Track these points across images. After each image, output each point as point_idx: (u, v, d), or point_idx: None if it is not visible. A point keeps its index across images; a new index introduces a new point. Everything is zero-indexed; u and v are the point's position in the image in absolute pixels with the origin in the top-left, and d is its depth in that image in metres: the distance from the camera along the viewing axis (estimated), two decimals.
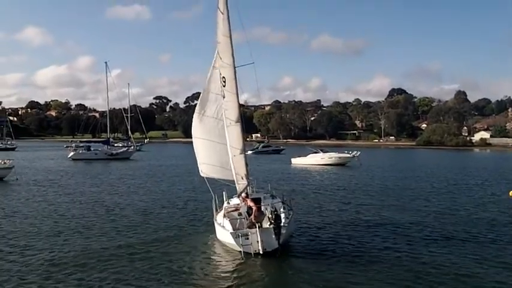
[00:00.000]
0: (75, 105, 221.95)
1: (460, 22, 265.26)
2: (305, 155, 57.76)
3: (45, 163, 57.14)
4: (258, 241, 14.07)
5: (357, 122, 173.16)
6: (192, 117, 20.09)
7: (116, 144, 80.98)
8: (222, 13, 17.23)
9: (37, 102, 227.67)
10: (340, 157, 56.12)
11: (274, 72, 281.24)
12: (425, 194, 29.49)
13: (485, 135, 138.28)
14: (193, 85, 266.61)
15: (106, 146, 69.57)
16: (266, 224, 14.89)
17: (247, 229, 14.62)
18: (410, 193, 29.82)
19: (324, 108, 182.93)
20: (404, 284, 12.35)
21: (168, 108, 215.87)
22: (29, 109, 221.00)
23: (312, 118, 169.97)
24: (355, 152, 56.85)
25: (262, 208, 15.78)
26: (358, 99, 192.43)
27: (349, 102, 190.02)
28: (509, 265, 13.90)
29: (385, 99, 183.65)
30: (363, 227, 19.07)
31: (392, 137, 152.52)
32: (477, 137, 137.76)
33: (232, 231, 14.75)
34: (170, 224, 19.64)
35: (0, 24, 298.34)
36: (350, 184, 35.31)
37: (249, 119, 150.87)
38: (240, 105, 18.59)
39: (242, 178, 18.02)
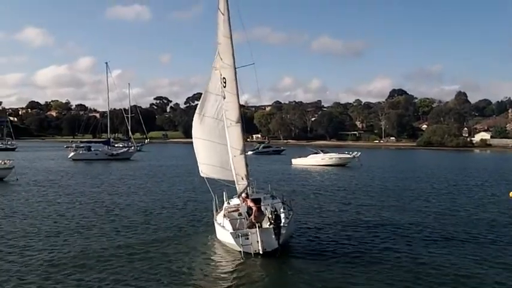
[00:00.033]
0: (76, 105, 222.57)
1: (460, 23, 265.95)
2: (305, 156, 57.77)
3: (46, 163, 57.15)
4: (258, 241, 14.08)
5: (358, 123, 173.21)
6: (193, 117, 20.11)
7: (116, 145, 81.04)
8: (223, 14, 17.26)
9: (37, 102, 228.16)
10: (340, 158, 56.13)
11: (275, 73, 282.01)
12: (425, 194, 29.49)
13: (485, 136, 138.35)
14: (193, 86, 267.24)
15: (106, 146, 69.56)
16: (266, 224, 14.91)
17: (247, 229, 14.64)
18: (411, 194, 29.82)
19: (325, 109, 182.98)
20: (404, 284, 12.34)
21: (168, 109, 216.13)
22: (29, 109, 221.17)
23: (313, 119, 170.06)
24: (356, 152, 56.86)
25: (262, 208, 15.81)
26: (358, 100, 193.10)
27: (350, 103, 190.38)
28: (509, 266, 13.88)
29: (386, 100, 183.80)
30: (363, 228, 19.07)
31: (393, 138, 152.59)
32: (477, 137, 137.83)
33: (232, 231, 14.77)
34: (170, 224, 19.65)
35: (1, 25, 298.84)
36: (350, 185, 35.31)
37: (249, 120, 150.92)
38: (241, 106, 18.62)
39: (242, 178, 18.04)
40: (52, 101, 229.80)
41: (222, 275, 13.20)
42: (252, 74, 18.66)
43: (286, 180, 38.38)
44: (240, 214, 16.28)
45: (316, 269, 13.51)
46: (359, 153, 55.93)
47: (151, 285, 12.35)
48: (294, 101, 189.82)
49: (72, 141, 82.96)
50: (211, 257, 15.02)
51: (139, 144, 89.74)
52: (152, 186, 33.89)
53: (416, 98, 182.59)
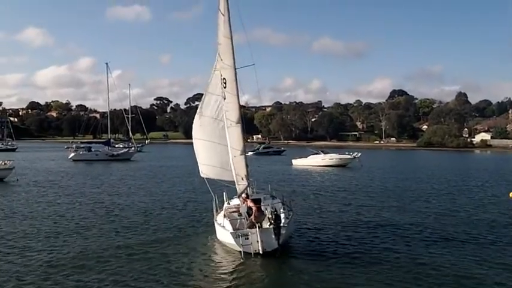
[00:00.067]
0: (76, 106, 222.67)
1: (460, 23, 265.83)
2: (306, 156, 57.79)
3: (46, 164, 57.17)
4: (258, 241, 14.10)
5: (358, 123, 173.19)
6: (193, 118, 20.13)
7: (116, 145, 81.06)
8: (223, 14, 17.27)
9: (37, 102, 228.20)
10: (341, 158, 56.13)
11: (275, 73, 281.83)
12: (425, 195, 29.47)
13: (485, 136, 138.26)
14: (194, 86, 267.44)
15: (107, 147, 69.53)
16: (266, 225, 14.92)
17: (247, 229, 14.66)
18: (411, 194, 29.81)
19: (325, 110, 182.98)
20: (404, 285, 12.32)
21: (168, 109, 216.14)
22: (29, 110, 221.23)
23: (313, 119, 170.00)
24: (356, 153, 56.82)
25: (262, 208, 15.82)
26: (359, 100, 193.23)
27: (350, 104, 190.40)
28: (509, 266, 13.87)
29: (386, 100, 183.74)
30: (363, 228, 19.06)
31: (393, 138, 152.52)
32: (478, 138, 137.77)
33: (232, 231, 14.79)
34: (170, 225, 19.64)
35: (1, 25, 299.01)
36: (350, 185, 35.30)
37: (250, 120, 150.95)
38: (241, 107, 18.65)
39: (242, 179, 18.05)
40: (52, 101, 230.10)
41: (222, 275, 13.20)
42: (252, 75, 18.70)
43: (287, 181, 38.38)
44: (240, 214, 16.30)
45: (316, 269, 13.51)
46: (359, 154, 55.91)
47: (151, 285, 12.34)
48: (295, 102, 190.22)
49: (72, 142, 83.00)
50: (211, 257, 15.02)
51: (140, 144, 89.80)
52: (152, 186, 33.90)
53: (416, 99, 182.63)
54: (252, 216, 15.15)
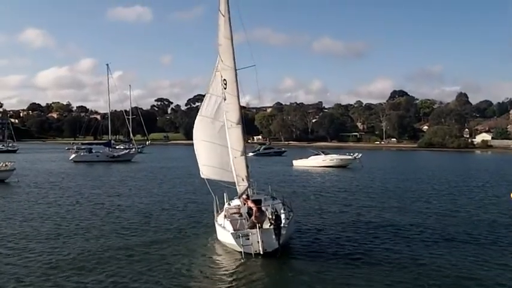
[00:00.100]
0: (77, 107, 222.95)
1: (461, 24, 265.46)
2: (306, 157, 57.82)
3: (47, 165, 57.20)
4: (258, 241, 14.14)
5: (359, 124, 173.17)
6: (194, 119, 20.17)
7: (117, 147, 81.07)
8: (223, 15, 17.31)
9: (38, 104, 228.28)
10: (341, 159, 56.13)
11: (276, 74, 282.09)
12: (426, 196, 29.46)
13: (486, 137, 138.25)
14: (194, 87, 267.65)
15: (107, 148, 69.49)
16: (267, 225, 14.94)
17: (248, 229, 14.69)
18: (411, 195, 29.80)
19: (326, 110, 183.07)
20: (405, 286, 12.32)
21: (169, 110, 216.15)
22: (30, 111, 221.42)
23: (314, 120, 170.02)
24: (357, 154, 56.80)
25: (263, 209, 15.84)
26: (359, 101, 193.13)
27: (351, 104, 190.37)
28: (510, 267, 13.86)
29: (387, 101, 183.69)
30: (363, 229, 19.05)
31: (394, 139, 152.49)
32: (478, 139, 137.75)
33: (232, 231, 14.82)
34: (170, 226, 19.65)
35: (2, 26, 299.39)
36: (351, 186, 35.30)
37: (250, 121, 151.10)
38: (242, 107, 18.68)
39: (243, 180, 18.07)
40: (53, 102, 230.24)
41: (223, 276, 13.21)
42: (252, 76, 18.74)
43: (287, 182, 38.38)
44: (240, 215, 16.34)
45: (316, 269, 13.51)
46: (360, 155, 55.89)
47: (151, 286, 12.35)
48: (295, 103, 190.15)
49: (73, 143, 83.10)
50: (212, 258, 15.03)
51: (140, 146, 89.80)
52: (153, 187, 33.92)
53: (417, 99, 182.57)
54: (253, 217, 15.17)
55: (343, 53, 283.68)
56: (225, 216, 16.37)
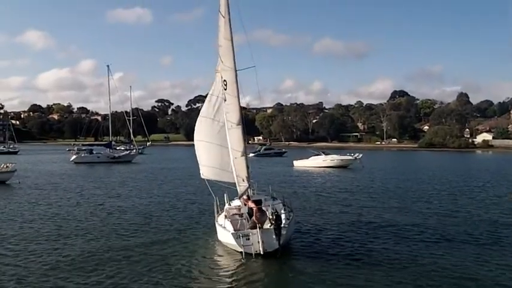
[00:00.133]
0: (77, 108, 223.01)
1: (461, 24, 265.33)
2: (307, 158, 57.84)
3: (48, 166, 57.26)
4: (258, 242, 14.18)
5: (359, 124, 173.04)
6: (194, 120, 20.21)
7: (118, 148, 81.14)
8: (224, 16, 17.35)
9: (39, 105, 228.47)
10: (342, 159, 56.11)
11: (276, 75, 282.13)
12: (427, 196, 29.45)
13: (487, 137, 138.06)
14: (195, 88, 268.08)
15: (108, 149, 69.62)
16: (267, 225, 14.97)
17: (248, 230, 14.72)
18: (412, 195, 29.80)
19: (326, 111, 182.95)
20: (405, 286, 12.33)
21: (170, 111, 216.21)
22: (31, 112, 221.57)
23: (314, 121, 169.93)
24: (357, 154, 56.79)
25: (264, 209, 15.87)
26: (360, 101, 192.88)
27: (351, 105, 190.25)
28: (511, 267, 13.85)
29: (387, 101, 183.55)
30: (364, 229, 19.06)
31: (395, 139, 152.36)
32: (479, 138, 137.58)
33: (233, 231, 14.86)
34: (171, 227, 19.68)
35: (3, 28, 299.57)
36: (352, 186, 35.30)
37: (251, 122, 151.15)
38: (242, 108, 18.71)
39: (243, 180, 18.10)
40: (54, 104, 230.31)
41: (223, 276, 13.25)
42: (253, 76, 18.79)
43: (288, 182, 38.40)
44: (241, 215, 16.37)
45: (316, 269, 13.53)
46: (360, 155, 55.87)
47: (152, 287, 12.37)
48: (296, 103, 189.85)
49: (74, 144, 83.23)
50: (212, 258, 15.06)
51: (141, 147, 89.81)
52: (153, 188, 33.96)
53: (417, 99, 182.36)
54: (254, 217, 15.21)
55: (343, 53, 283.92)
56: (225, 216, 16.41)
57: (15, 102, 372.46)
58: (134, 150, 74.35)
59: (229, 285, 12.52)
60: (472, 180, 40.11)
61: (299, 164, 57.10)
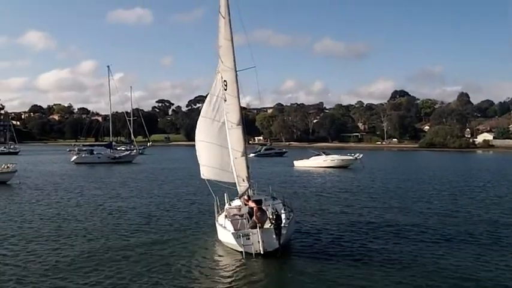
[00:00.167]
0: (78, 109, 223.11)
1: (462, 24, 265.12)
2: (307, 158, 57.83)
3: (48, 167, 57.30)
4: (259, 241, 14.22)
5: (360, 125, 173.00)
6: (195, 120, 20.25)
7: (118, 148, 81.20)
8: (224, 17, 17.40)
9: (40, 106, 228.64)
10: (342, 159, 56.08)
11: (277, 75, 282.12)
12: (427, 196, 29.44)
13: (488, 137, 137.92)
14: (195, 88, 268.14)
15: (109, 149, 69.65)
16: (267, 225, 14.99)
17: (249, 229, 14.75)
18: (413, 195, 29.79)
19: (327, 111, 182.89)
20: (405, 286, 12.33)
21: (170, 112, 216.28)
22: (31, 113, 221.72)
23: (315, 121, 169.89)
24: (358, 154, 56.74)
25: (264, 209, 15.89)
26: (360, 101, 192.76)
27: (352, 105, 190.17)
28: (511, 268, 13.86)
29: (388, 101, 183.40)
30: (364, 229, 19.06)
31: (395, 139, 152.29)
32: (480, 138, 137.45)
33: (233, 231, 14.88)
34: (171, 227, 19.69)
35: (3, 28, 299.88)
36: (352, 186, 35.29)
37: (251, 122, 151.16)
38: (242, 108, 18.75)
39: (243, 180, 18.15)
40: (54, 104, 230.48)
41: (223, 276, 13.26)
42: (253, 77, 18.85)
43: (288, 182, 38.40)
44: (241, 215, 16.40)
45: (317, 269, 13.54)
46: (361, 155, 55.81)
47: (151, 287, 12.38)
48: (296, 103, 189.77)
49: (74, 145, 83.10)
50: (213, 258, 15.09)
51: (142, 147, 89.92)
52: (154, 189, 33.97)
53: (418, 99, 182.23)
54: (254, 217, 15.22)
55: (344, 54, 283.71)
56: (225, 216, 16.45)
57: (16, 103, 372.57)
58: (135, 151, 74.39)
59: (229, 285, 12.52)
60: (472, 180, 40.08)
61: (299, 164, 57.10)
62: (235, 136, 18.06)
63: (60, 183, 37.88)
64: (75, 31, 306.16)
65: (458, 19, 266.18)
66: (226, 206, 18.01)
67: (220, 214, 17.42)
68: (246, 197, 17.44)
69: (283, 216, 15.67)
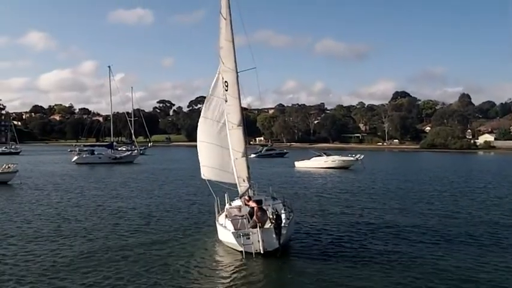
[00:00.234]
0: (79, 109, 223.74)
1: (463, 25, 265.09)
2: (308, 159, 57.80)
3: (49, 167, 57.35)
4: (259, 241, 14.25)
5: (361, 125, 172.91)
6: (196, 121, 20.29)
7: (119, 148, 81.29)
8: (225, 18, 17.43)
9: (41, 106, 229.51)
10: (343, 160, 56.04)
11: (278, 76, 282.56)
12: (428, 197, 29.42)
13: (489, 138, 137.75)
14: (196, 89, 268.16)
15: (110, 150, 69.63)
16: (268, 225, 15.01)
17: (249, 229, 14.78)
18: (413, 196, 29.78)
19: (328, 112, 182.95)
20: (405, 287, 12.34)
21: (171, 112, 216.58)
22: (32, 113, 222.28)
23: (316, 121, 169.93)
24: (359, 155, 56.67)
25: (264, 209, 15.91)
26: (361, 102, 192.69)
27: (353, 106, 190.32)
28: (511, 269, 13.86)
29: (389, 102, 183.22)
30: (365, 230, 19.05)
31: (396, 140, 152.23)
32: (481, 139, 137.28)
33: (233, 230, 14.91)
34: (172, 227, 19.69)
35: (4, 29, 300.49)
36: (353, 187, 35.28)
37: (252, 123, 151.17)
38: (243, 109, 18.77)
39: (244, 180, 18.20)
40: (55, 105, 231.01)
41: (223, 275, 13.28)
42: (254, 77, 18.89)
43: (289, 183, 38.40)
44: (241, 215, 16.43)
45: (316, 269, 13.55)
46: (362, 156, 55.75)
47: (152, 286, 12.40)
48: (297, 104, 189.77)
49: (75, 145, 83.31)
50: (213, 258, 15.11)
51: (143, 147, 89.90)
52: (155, 189, 33.99)
53: (419, 100, 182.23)
54: (255, 217, 15.24)
55: (345, 54, 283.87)
56: (226, 216, 16.48)
57: (17, 103, 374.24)
58: (136, 151, 74.39)
59: (229, 285, 12.53)
60: (473, 181, 40.05)
61: (300, 165, 57.07)
62: (235, 137, 18.09)
63: (60, 183, 37.92)
64: (76, 31, 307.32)
65: (459, 19, 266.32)
66: (227, 206, 18.04)
67: (220, 214, 17.45)
68: (247, 197, 17.48)
69: (283, 216, 15.70)
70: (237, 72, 17.65)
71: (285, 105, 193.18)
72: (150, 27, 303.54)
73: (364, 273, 13.29)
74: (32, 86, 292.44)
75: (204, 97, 20.63)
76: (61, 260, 14.71)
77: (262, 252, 14.27)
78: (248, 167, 18.24)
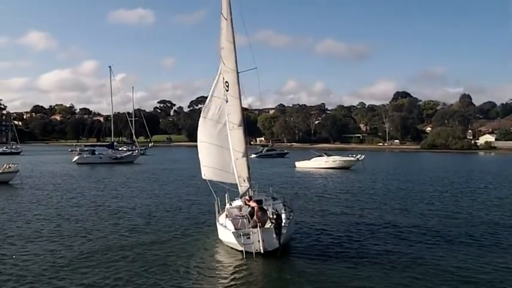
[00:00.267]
0: (80, 109, 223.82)
1: (463, 25, 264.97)
2: (309, 159, 57.80)
3: (50, 167, 57.39)
4: (259, 240, 14.26)
5: (361, 126, 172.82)
6: (196, 121, 20.31)
7: (120, 148, 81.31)
8: (226, 19, 17.45)
9: (41, 106, 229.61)
10: (344, 161, 56.04)
11: (279, 76, 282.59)
12: (428, 197, 29.41)
13: (490, 138, 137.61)
14: (197, 89, 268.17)
15: (110, 150, 69.64)
16: (268, 225, 15.02)
17: (249, 228, 14.79)
18: (414, 196, 29.77)
19: (328, 112, 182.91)
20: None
21: (172, 112, 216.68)
22: (33, 113, 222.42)
23: (316, 122, 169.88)
24: (359, 155, 56.66)
25: (264, 209, 15.93)
26: (362, 102, 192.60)
27: (354, 106, 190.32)
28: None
29: (390, 102, 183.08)
30: (365, 230, 19.06)
31: (397, 141, 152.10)
32: (482, 140, 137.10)
33: (234, 230, 14.93)
34: (172, 227, 19.71)
35: (5, 29, 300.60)
36: (354, 187, 35.28)
37: (253, 123, 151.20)
38: (244, 109, 18.79)
39: (244, 181, 18.21)
40: (56, 105, 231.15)
41: (224, 275, 13.29)
42: (254, 78, 18.92)
43: (290, 183, 38.41)
44: (242, 215, 16.45)
45: (316, 269, 13.56)
46: (363, 156, 55.74)
47: (152, 286, 12.41)
48: (298, 104, 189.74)
49: (76, 145, 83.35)
50: (213, 257, 15.13)
51: (143, 147, 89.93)
52: (155, 189, 34.02)
53: (420, 101, 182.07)
54: (255, 217, 15.25)
55: (345, 54, 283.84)
56: (226, 216, 16.51)
57: (17, 103, 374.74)
58: (136, 151, 74.41)
59: (229, 285, 12.54)
60: (474, 182, 40.04)
61: (301, 165, 57.06)
62: (236, 137, 18.11)
63: (61, 183, 37.94)
64: (76, 31, 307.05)
65: (460, 20, 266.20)
66: (227, 206, 18.07)
67: (221, 214, 17.48)
68: (247, 197, 17.50)
69: (283, 216, 15.71)
70: (237, 73, 17.67)
71: (286, 105, 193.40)
72: (150, 27, 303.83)
73: (364, 273, 13.30)
74: (32, 86, 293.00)
75: (205, 97, 20.63)
76: (61, 260, 14.73)
77: (262, 252, 14.28)
78: (249, 167, 18.26)
